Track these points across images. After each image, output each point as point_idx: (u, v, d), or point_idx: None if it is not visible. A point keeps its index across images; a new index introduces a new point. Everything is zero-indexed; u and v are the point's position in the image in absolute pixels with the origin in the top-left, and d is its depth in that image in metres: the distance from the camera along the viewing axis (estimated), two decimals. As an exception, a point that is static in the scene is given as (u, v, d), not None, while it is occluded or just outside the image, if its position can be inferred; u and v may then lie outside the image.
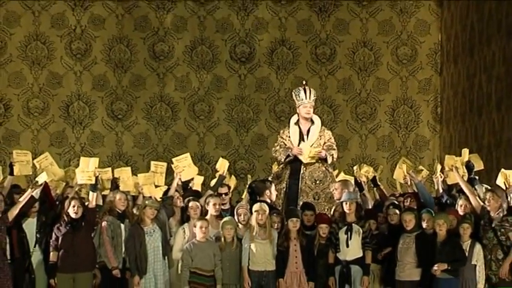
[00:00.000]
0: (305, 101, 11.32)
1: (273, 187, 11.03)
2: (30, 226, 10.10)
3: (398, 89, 16.19)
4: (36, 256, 10.09)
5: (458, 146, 14.42)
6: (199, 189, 11.58)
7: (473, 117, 14.75)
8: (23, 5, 15.77)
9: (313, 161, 11.14)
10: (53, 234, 9.92)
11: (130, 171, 10.90)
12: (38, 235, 10.11)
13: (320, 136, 11.38)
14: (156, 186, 10.75)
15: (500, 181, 10.44)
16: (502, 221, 10.00)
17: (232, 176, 12.31)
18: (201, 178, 11.84)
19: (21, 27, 15.79)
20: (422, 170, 11.60)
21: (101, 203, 10.37)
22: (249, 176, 12.29)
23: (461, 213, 10.28)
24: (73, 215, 9.89)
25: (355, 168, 11.48)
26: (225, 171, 11.31)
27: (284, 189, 11.28)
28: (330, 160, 11.25)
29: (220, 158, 11.65)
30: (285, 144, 11.37)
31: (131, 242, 10.01)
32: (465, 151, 11.26)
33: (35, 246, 10.09)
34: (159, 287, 10.10)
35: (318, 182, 11.21)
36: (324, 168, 11.26)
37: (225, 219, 10.22)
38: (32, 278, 10.02)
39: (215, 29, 16.07)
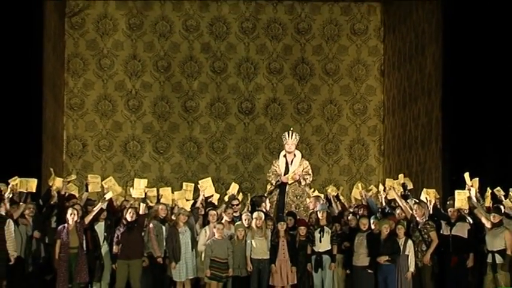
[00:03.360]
0: (288, 140, 11.39)
1: (267, 201, 11.01)
2: (100, 228, 10.08)
3: (354, 133, 16.18)
4: (104, 248, 10.04)
5: (395, 172, 14.38)
6: (216, 202, 11.54)
7: (405, 152, 14.77)
8: (96, 75, 15.85)
9: (292, 181, 11.18)
10: (116, 233, 9.89)
11: (170, 190, 10.88)
12: (105, 234, 10.09)
13: (300, 165, 11.38)
14: (187, 200, 10.73)
15: (423, 197, 10.46)
16: (424, 224, 10.03)
17: (240, 193, 12.32)
18: (218, 195, 11.81)
19: (95, 90, 15.83)
20: (371, 189, 11.64)
21: (147, 211, 10.36)
22: (249, 194, 12.27)
23: (398, 219, 10.25)
24: (129, 219, 9.84)
25: (326, 188, 11.49)
26: (235, 192, 11.29)
27: (275, 202, 11.23)
28: (303, 182, 11.21)
29: (233, 183, 11.60)
30: (276, 171, 11.40)
31: (170, 239, 9.97)
32: (401, 176, 11.32)
33: (103, 242, 10.07)
34: (189, 270, 10.03)
35: (298, 197, 11.17)
36: (302, 188, 11.32)
37: (237, 223, 10.21)
38: (101, 264, 9.99)
39: (227, 91, 16.08)
